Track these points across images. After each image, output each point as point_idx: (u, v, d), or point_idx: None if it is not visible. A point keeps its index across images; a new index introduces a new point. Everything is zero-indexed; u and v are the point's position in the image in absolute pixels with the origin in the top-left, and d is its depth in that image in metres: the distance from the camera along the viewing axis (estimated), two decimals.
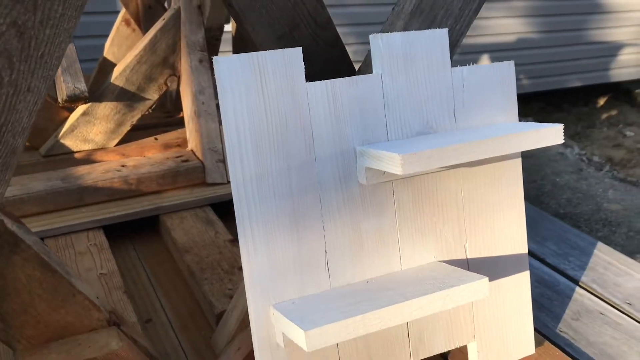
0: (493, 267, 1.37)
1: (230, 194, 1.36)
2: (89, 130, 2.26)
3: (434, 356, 1.39)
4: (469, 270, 1.34)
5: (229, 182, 2.12)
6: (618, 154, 5.19)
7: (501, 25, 5.66)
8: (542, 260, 2.00)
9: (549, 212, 3.88)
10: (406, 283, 1.18)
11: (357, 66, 1.38)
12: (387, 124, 1.22)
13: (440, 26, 1.30)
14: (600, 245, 2.06)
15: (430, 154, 1.08)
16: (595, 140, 5.57)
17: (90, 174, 2.05)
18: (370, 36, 1.22)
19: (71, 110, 2.31)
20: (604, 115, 6.20)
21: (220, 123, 2.19)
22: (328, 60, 1.30)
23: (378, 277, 1.23)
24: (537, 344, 1.46)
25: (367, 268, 1.22)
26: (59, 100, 2.13)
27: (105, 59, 2.89)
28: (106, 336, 1.21)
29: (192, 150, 2.30)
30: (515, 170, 1.37)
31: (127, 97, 2.29)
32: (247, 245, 1.12)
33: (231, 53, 3.67)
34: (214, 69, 1.08)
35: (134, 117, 2.34)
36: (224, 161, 2.17)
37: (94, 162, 2.22)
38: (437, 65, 1.26)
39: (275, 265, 1.14)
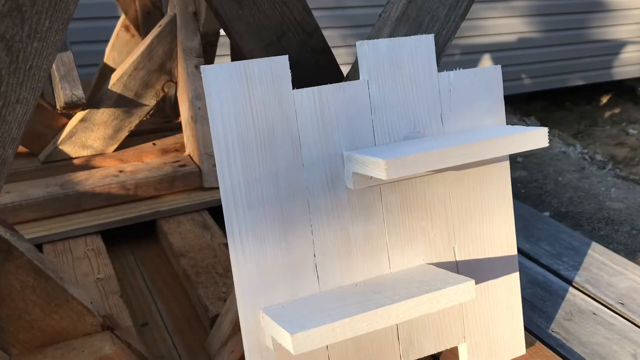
0: (482, 269, 1.38)
1: None
2: (87, 136, 2.29)
3: (425, 358, 1.40)
4: (458, 272, 1.36)
5: None
6: (621, 152, 5.18)
7: (502, 25, 5.67)
8: (536, 261, 2.01)
9: (551, 211, 3.89)
10: (394, 286, 1.20)
11: None
12: (375, 129, 1.24)
13: (426, 32, 1.32)
14: (594, 245, 2.07)
15: (415, 158, 1.10)
16: (598, 138, 5.56)
17: (88, 180, 2.08)
18: (357, 43, 1.24)
19: (70, 116, 2.33)
20: (607, 114, 6.19)
21: None
22: (316, 67, 1.32)
23: (367, 280, 1.25)
24: (529, 344, 1.47)
25: (356, 271, 1.24)
26: (57, 107, 2.15)
27: (105, 65, 2.92)
28: (100, 341, 1.23)
29: (189, 155, 2.32)
30: (503, 172, 1.38)
31: (125, 103, 2.32)
32: (236, 250, 1.13)
33: (229, 57, 3.69)
34: (202, 77, 1.10)
35: (132, 123, 2.36)
36: None
37: (92, 167, 2.25)
38: (423, 70, 1.28)
39: (265, 270, 1.16)
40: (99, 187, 2.03)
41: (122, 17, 3.01)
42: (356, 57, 1.26)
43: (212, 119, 1.11)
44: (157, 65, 2.30)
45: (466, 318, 1.37)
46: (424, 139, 1.26)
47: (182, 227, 2.00)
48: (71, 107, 2.11)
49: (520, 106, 6.10)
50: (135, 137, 2.45)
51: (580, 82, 6.07)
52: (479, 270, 1.38)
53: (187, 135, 2.34)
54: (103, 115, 2.30)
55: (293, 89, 1.16)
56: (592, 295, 1.79)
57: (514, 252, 1.42)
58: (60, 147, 2.25)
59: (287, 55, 1.15)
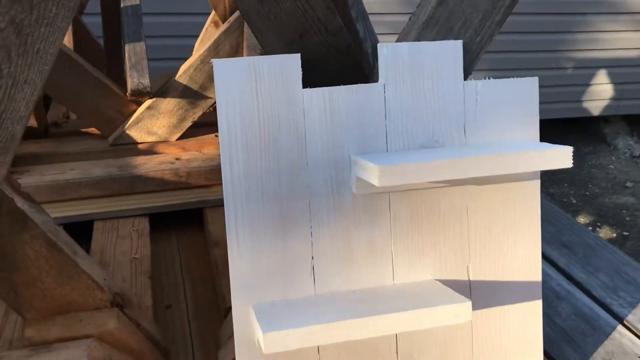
0: (499, 293, 1.30)
1: None
2: (152, 123, 2.40)
3: None
4: (470, 293, 1.28)
5: None
6: None
7: (625, 39, 5.31)
8: (588, 292, 1.86)
9: None
10: (389, 298, 1.16)
11: None
12: (388, 135, 1.20)
13: (457, 38, 1.26)
14: None
15: (411, 167, 1.05)
16: None
17: (146, 165, 2.18)
18: (378, 45, 1.20)
19: (139, 104, 2.46)
20: None
21: None
22: (340, 68, 1.30)
23: (366, 289, 1.21)
24: None
25: (356, 279, 1.21)
26: (127, 93, 2.28)
27: None
28: (106, 316, 1.29)
29: None
30: (531, 191, 1.29)
31: (190, 95, 2.41)
32: (232, 243, 1.14)
33: None
34: (214, 71, 1.12)
35: (196, 114, 2.45)
36: None
37: (154, 153, 2.36)
38: (447, 77, 1.22)
39: (259, 266, 1.16)
40: (153, 172, 2.13)
41: (212, 13, 3.12)
42: None
43: (218, 111, 1.12)
44: None
45: (476, 341, 1.29)
46: (440, 149, 1.20)
47: (224, 218, 2.05)
48: (137, 95, 2.22)
49: (633, 126, 5.67)
50: (199, 128, 2.54)
51: None
52: (495, 293, 1.29)
53: None
54: (169, 104, 2.40)
55: (303, 88, 1.15)
56: None
57: (538, 278, 1.32)
58: (127, 131, 2.38)
59: (299, 54, 1.15)
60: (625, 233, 3.71)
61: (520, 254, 1.30)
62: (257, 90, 1.13)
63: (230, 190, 1.14)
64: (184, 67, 2.44)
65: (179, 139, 2.47)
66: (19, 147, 2.32)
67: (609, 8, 5.17)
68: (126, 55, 2.34)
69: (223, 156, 1.13)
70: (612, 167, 4.94)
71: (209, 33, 3.10)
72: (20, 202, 1.17)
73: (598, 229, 3.91)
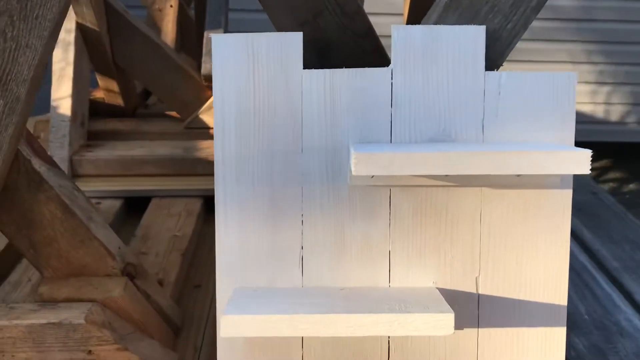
0: (513, 312, 1.16)
1: None
2: None
3: None
4: (479, 307, 1.16)
5: None
6: None
7: None
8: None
9: None
10: (375, 299, 1.07)
11: None
12: (393, 125, 1.12)
13: (483, 23, 1.13)
14: None
15: (396, 157, 0.96)
16: None
17: (209, 149, 2.24)
18: (391, 26, 1.12)
19: None
20: None
21: None
22: (357, 52, 1.23)
23: (356, 287, 1.13)
24: None
25: (348, 275, 1.14)
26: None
27: None
28: (114, 283, 1.33)
29: None
30: (559, 201, 1.13)
31: None
32: (220, 225, 1.13)
33: None
34: (211, 46, 1.11)
35: None
36: None
37: None
38: (466, 66, 1.11)
39: (246, 250, 1.13)
40: (213, 156, 2.18)
41: None
42: None
43: (214, 88, 1.11)
44: None
45: None
46: (449, 144, 1.09)
47: None
48: (209, 80, 2.29)
49: None
50: None
51: None
52: (508, 312, 1.16)
53: None
54: None
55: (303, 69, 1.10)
56: None
57: (563, 302, 1.16)
58: (201, 116, 2.46)
59: (301, 33, 1.10)
60: None
61: (542, 273, 1.15)
62: (254, 68, 1.10)
63: (221, 171, 1.12)
64: None
65: None
66: (102, 123, 2.50)
67: None
68: (204, 41, 2.42)
69: (216, 136, 1.12)
70: None
71: None
72: (37, 164, 1.24)
73: None
